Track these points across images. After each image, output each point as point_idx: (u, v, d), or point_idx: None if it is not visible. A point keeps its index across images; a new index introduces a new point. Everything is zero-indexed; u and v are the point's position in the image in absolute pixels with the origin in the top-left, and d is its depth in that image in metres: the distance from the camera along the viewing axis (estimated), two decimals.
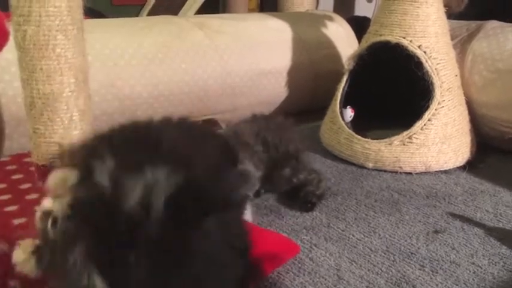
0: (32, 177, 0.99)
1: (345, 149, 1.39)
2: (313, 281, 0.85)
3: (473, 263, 0.90)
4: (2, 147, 1.19)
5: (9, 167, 1.05)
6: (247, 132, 1.14)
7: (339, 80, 1.48)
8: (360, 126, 1.43)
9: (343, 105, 1.45)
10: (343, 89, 1.45)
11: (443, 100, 1.32)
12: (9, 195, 0.93)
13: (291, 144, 1.17)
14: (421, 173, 1.31)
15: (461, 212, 1.10)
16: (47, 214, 0.63)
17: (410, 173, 1.31)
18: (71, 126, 0.94)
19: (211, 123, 1.60)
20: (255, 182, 1.01)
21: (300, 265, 0.89)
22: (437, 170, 1.31)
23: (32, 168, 0.99)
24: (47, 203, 0.64)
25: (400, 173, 1.31)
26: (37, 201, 0.89)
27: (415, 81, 1.33)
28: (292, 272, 0.87)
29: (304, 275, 0.87)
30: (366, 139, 1.35)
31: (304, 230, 1.02)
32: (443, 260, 0.90)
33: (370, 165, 1.34)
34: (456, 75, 1.38)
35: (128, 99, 1.37)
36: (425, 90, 1.32)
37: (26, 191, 0.95)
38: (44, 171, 0.95)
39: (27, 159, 1.05)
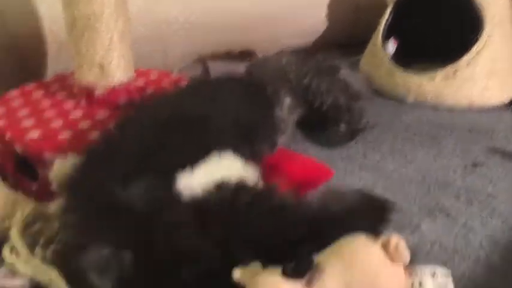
0: (75, 97, 1.01)
1: (385, 82, 1.35)
2: None
3: (510, 196, 0.89)
4: (45, 68, 1.22)
5: (52, 87, 1.08)
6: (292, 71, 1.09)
7: (381, 13, 1.42)
8: (402, 59, 1.38)
9: (386, 37, 1.40)
10: (386, 21, 1.40)
11: (493, 34, 1.25)
12: (54, 112, 0.96)
13: (341, 95, 1.11)
14: (463, 109, 1.27)
15: (502, 148, 1.07)
16: None
17: (452, 109, 1.27)
18: (111, 48, 0.95)
19: (249, 54, 1.59)
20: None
21: None
22: (480, 106, 1.26)
23: (75, 89, 1.02)
24: None
25: (442, 107, 1.28)
26: (81, 119, 0.93)
27: (463, 14, 1.26)
28: None
29: None
30: (408, 73, 1.31)
31: (339, 159, 1.02)
32: (479, 192, 0.89)
33: (411, 99, 1.30)
34: (509, 9, 1.29)
35: (164, 23, 1.36)
36: (473, 23, 1.25)
37: (70, 108, 0.98)
38: (87, 91, 0.98)
39: (70, 80, 1.07)
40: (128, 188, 0.61)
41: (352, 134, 1.10)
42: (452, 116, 1.24)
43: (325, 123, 1.10)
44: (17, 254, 0.66)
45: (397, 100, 1.32)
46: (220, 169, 0.68)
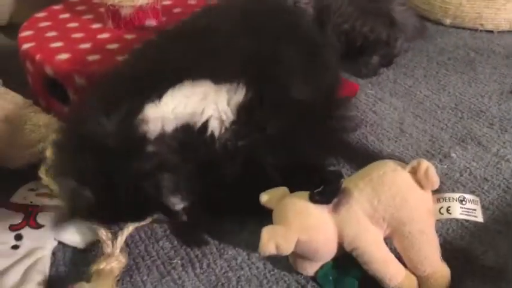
0: (102, 18, 1.00)
1: (421, 2, 1.28)
2: (375, 132, 0.85)
3: None
4: None
5: (79, 8, 1.07)
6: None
7: None
8: None
9: None
10: None
11: None
12: (82, 34, 0.96)
13: (384, 30, 1.06)
14: (503, 32, 1.20)
15: None
16: None
17: (491, 31, 1.20)
18: None
19: None
20: None
21: (362, 117, 0.90)
22: None
23: (102, 9, 1.00)
24: None
25: (480, 30, 1.21)
26: (108, 40, 0.92)
27: None
28: (354, 123, 0.88)
29: (366, 126, 0.87)
30: None
31: (369, 85, 1.00)
32: None
33: (448, 21, 1.24)
34: None
35: None
36: None
37: (97, 30, 0.97)
38: (113, 11, 0.96)
39: (96, 0, 1.05)
40: (105, 121, 0.59)
41: (383, 66, 1.06)
42: (491, 39, 1.18)
43: (359, 54, 1.06)
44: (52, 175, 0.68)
45: (434, 22, 1.26)
46: (193, 98, 0.64)
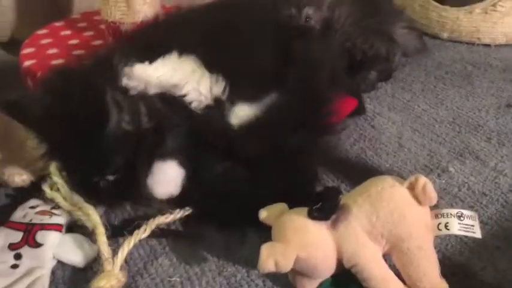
0: (103, 34, 1.01)
1: (419, 17, 1.30)
2: (373, 146, 0.86)
3: None
4: (71, 6, 1.21)
5: (80, 24, 1.08)
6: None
7: None
8: None
9: None
10: None
11: None
12: (83, 50, 0.97)
13: (383, 46, 1.06)
14: (500, 45, 1.21)
15: None
16: None
17: (488, 45, 1.22)
18: None
19: None
20: None
21: (361, 132, 0.90)
22: None
23: (102, 26, 1.01)
24: None
25: (478, 44, 1.22)
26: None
27: None
28: (353, 138, 0.88)
29: (364, 141, 0.87)
30: (444, 6, 1.25)
31: (367, 99, 1.01)
32: None
33: (445, 35, 1.25)
34: None
35: None
36: None
37: (98, 47, 0.98)
38: (114, 28, 0.97)
39: (97, 17, 1.07)
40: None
41: (381, 80, 1.07)
42: (488, 53, 1.19)
43: (358, 69, 1.06)
44: (58, 190, 0.69)
45: (431, 36, 1.27)
46: (180, 71, 0.69)
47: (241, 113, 0.69)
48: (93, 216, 0.64)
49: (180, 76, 0.68)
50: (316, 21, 0.96)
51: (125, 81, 0.65)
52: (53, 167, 0.69)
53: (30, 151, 0.75)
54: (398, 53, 1.10)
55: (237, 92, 0.70)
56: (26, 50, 0.97)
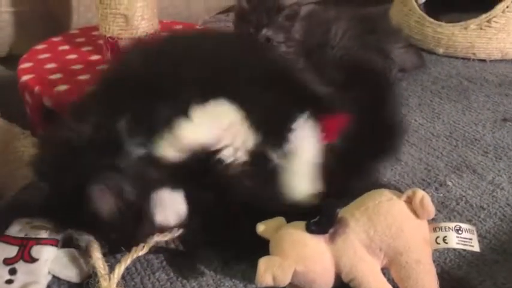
0: (101, 49, 1.01)
1: (414, 32, 1.31)
2: None
3: None
4: (70, 21, 1.22)
5: (78, 40, 1.08)
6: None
7: None
8: (434, 8, 1.32)
9: None
10: None
11: None
12: (81, 66, 0.97)
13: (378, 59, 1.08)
14: (495, 61, 1.22)
15: None
16: None
17: (483, 60, 1.23)
18: None
19: (276, 2, 1.54)
20: None
21: None
22: None
23: (100, 41, 1.02)
24: None
25: (473, 59, 1.24)
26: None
27: None
28: None
29: None
30: (439, 22, 1.26)
31: None
32: (508, 148, 0.87)
33: (441, 50, 1.27)
34: None
35: None
36: None
37: (96, 62, 0.99)
38: (112, 43, 0.98)
39: (95, 32, 1.07)
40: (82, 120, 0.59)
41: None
42: (483, 68, 1.20)
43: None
44: None
45: (427, 51, 1.29)
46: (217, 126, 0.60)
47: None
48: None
49: (217, 131, 0.58)
50: (279, 42, 0.95)
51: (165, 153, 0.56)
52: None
53: (27, 165, 0.74)
54: (394, 69, 1.11)
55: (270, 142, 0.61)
56: (24, 65, 0.97)
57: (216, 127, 0.59)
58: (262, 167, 0.61)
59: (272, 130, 0.62)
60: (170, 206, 0.59)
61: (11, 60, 1.11)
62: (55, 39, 1.09)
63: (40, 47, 1.06)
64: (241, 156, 0.60)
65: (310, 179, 0.63)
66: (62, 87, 0.89)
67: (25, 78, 0.93)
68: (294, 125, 0.63)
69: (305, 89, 0.73)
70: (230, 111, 0.60)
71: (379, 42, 1.09)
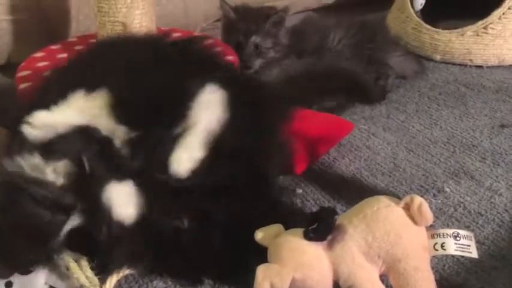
0: None
1: (412, 39, 1.32)
2: (368, 167, 0.86)
3: None
4: (68, 29, 1.22)
5: (77, 47, 1.08)
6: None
7: None
8: (430, 15, 1.33)
9: None
10: None
11: None
12: None
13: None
14: (492, 67, 1.23)
15: None
16: None
17: (481, 67, 1.23)
18: (134, 6, 0.94)
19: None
20: None
21: (356, 152, 0.90)
22: (511, 63, 1.23)
23: None
24: None
25: (470, 66, 1.24)
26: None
27: None
28: (348, 158, 0.88)
29: (360, 161, 0.88)
30: (436, 29, 1.27)
31: (362, 120, 1.01)
32: (506, 154, 0.88)
33: (438, 57, 1.27)
34: None
35: None
36: None
37: None
38: None
39: (93, 40, 1.07)
40: None
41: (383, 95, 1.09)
42: (480, 75, 1.20)
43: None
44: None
45: (424, 58, 1.29)
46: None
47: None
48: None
49: (88, 117, 0.62)
50: (267, 48, 0.96)
51: (27, 131, 0.59)
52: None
53: None
54: (392, 76, 1.11)
55: None
56: (22, 73, 0.97)
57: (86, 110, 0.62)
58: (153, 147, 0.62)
59: (165, 109, 0.64)
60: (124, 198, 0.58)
61: (10, 68, 1.11)
62: (53, 47, 1.09)
63: (38, 54, 1.06)
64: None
65: (193, 149, 0.63)
66: None
67: (23, 86, 0.93)
68: (192, 100, 0.65)
69: (206, 61, 0.74)
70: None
71: (376, 51, 1.10)
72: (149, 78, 0.67)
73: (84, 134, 0.60)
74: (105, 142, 0.60)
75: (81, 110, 0.62)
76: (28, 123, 0.60)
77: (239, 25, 0.94)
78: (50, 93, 0.66)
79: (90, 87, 0.64)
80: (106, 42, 0.80)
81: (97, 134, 0.61)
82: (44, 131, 0.60)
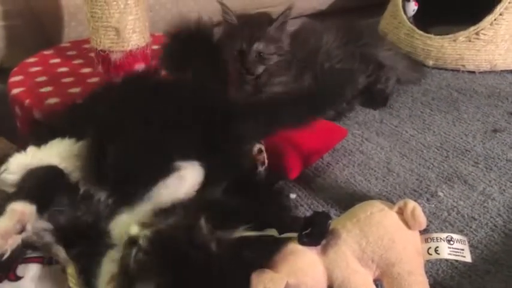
0: (91, 63, 1.01)
1: (404, 45, 1.32)
2: (362, 172, 0.86)
3: None
4: (61, 34, 1.22)
5: (69, 53, 1.08)
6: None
7: None
8: (423, 21, 1.34)
9: None
10: None
11: None
12: (71, 78, 0.97)
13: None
14: (484, 72, 1.24)
15: None
16: (132, 241, 0.56)
17: (473, 72, 1.24)
18: (127, 11, 0.94)
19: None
20: None
21: (350, 157, 0.90)
22: (503, 69, 1.24)
23: (92, 54, 1.02)
24: (133, 230, 0.57)
25: (462, 71, 1.25)
26: (98, 85, 0.93)
27: None
28: (342, 163, 0.88)
29: (353, 166, 0.88)
30: (428, 35, 1.28)
31: (356, 125, 1.01)
32: (499, 158, 0.88)
33: (431, 62, 1.28)
34: None
35: None
36: None
37: (87, 75, 0.99)
38: (103, 56, 0.98)
39: (86, 46, 1.07)
40: None
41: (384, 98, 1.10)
42: (472, 80, 1.21)
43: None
44: None
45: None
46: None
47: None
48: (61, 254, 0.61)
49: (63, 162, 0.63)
50: (270, 54, 0.96)
51: (5, 178, 0.62)
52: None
53: None
54: (391, 78, 1.11)
55: None
56: (15, 78, 0.97)
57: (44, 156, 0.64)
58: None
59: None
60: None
61: (2, 73, 1.10)
62: (46, 52, 1.09)
63: (31, 60, 1.06)
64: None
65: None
66: (53, 100, 0.88)
67: (16, 91, 0.92)
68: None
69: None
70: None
71: (366, 47, 1.10)
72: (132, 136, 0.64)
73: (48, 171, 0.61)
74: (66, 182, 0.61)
75: (59, 154, 0.64)
76: (5, 170, 0.62)
77: (241, 32, 0.94)
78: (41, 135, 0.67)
79: (77, 135, 0.65)
80: (107, 87, 0.79)
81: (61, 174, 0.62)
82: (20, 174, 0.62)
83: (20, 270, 0.60)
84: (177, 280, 0.53)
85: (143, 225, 0.57)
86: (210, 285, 0.53)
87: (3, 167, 0.63)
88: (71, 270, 0.59)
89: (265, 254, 0.56)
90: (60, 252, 0.61)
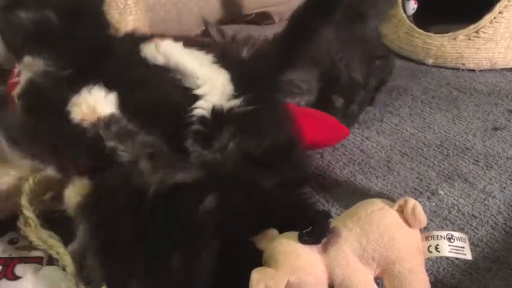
0: None
1: (404, 44, 1.32)
2: (362, 170, 0.86)
3: None
4: None
5: None
6: None
7: None
8: (423, 20, 1.34)
9: None
10: None
11: None
12: None
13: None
14: (484, 70, 1.24)
15: None
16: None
17: (473, 70, 1.24)
18: (126, 11, 0.94)
19: (264, 16, 1.56)
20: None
21: (350, 156, 0.90)
22: (503, 67, 1.23)
23: None
24: None
25: (462, 69, 1.25)
26: None
27: None
28: (342, 162, 0.89)
29: (354, 165, 0.88)
30: (428, 33, 1.28)
31: (356, 123, 1.01)
32: (499, 156, 0.88)
33: (430, 61, 1.28)
34: None
35: None
36: None
37: None
38: None
39: None
40: None
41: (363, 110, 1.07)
42: (473, 78, 1.21)
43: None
44: (29, 224, 0.64)
45: (416, 62, 1.30)
46: None
47: None
48: (63, 256, 0.60)
49: None
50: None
51: None
52: (24, 200, 0.64)
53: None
54: (391, 57, 1.10)
55: None
56: (15, 79, 0.97)
57: None
58: None
59: None
60: None
61: (2, 74, 1.10)
62: None
63: None
64: None
65: None
66: None
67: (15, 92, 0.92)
68: None
69: None
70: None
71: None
72: None
73: None
74: None
75: None
76: None
77: None
78: None
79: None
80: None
81: None
82: None
83: (20, 270, 0.60)
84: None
85: None
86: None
87: None
88: (70, 270, 0.59)
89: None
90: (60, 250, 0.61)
